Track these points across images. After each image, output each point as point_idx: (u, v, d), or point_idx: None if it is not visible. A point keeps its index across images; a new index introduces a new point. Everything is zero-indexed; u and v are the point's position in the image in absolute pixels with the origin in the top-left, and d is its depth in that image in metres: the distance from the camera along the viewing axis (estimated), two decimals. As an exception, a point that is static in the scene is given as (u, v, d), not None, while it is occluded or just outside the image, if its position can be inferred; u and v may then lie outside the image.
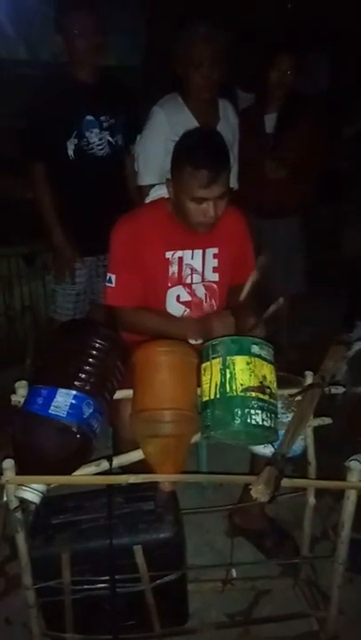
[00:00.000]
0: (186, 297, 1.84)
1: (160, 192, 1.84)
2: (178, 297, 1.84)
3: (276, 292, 2.71)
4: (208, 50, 2.07)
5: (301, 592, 1.76)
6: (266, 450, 1.56)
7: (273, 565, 1.86)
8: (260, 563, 1.88)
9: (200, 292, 1.86)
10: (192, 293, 1.84)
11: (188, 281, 1.83)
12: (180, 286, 1.83)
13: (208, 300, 1.87)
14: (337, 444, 1.74)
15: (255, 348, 1.32)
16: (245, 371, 1.29)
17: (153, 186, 2.11)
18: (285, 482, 1.30)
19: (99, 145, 2.25)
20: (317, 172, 2.80)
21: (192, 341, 1.81)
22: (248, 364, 1.29)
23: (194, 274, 1.83)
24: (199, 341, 1.81)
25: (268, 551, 1.92)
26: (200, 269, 1.83)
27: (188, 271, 1.82)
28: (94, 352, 1.33)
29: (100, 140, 2.25)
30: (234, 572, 1.73)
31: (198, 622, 1.67)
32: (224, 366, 1.30)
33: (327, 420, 1.53)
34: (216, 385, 1.29)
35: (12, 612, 1.71)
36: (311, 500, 1.63)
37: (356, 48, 4.15)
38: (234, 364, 1.29)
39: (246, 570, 1.80)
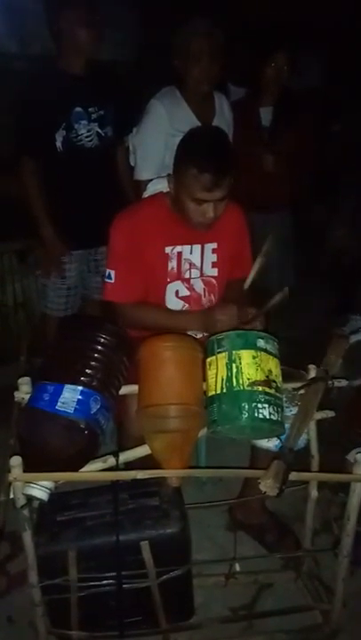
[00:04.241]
0: (185, 292, 1.84)
1: (158, 186, 1.83)
2: (177, 292, 1.83)
3: (270, 285, 2.74)
4: (208, 44, 2.08)
5: (304, 585, 1.77)
6: (269, 444, 1.56)
7: (275, 559, 1.86)
8: (264, 557, 1.88)
9: (199, 286, 1.85)
10: (190, 288, 1.84)
11: (187, 276, 1.83)
12: (179, 281, 1.83)
13: (207, 295, 1.87)
14: (334, 438, 1.75)
15: (261, 342, 1.32)
16: (252, 365, 1.29)
17: (151, 180, 2.10)
18: (293, 475, 1.30)
19: (87, 137, 2.22)
20: (311, 167, 2.83)
21: (194, 335, 1.81)
22: (254, 357, 1.29)
23: (192, 269, 1.82)
24: (200, 335, 1.82)
25: (269, 545, 1.93)
26: (199, 264, 1.83)
27: (187, 266, 1.82)
28: (100, 348, 1.32)
29: (89, 131, 2.22)
30: (237, 567, 1.73)
31: (202, 617, 1.67)
32: (230, 360, 1.30)
33: (330, 414, 1.53)
34: (222, 379, 1.29)
35: (15, 610, 1.70)
36: (314, 493, 1.64)
37: (346, 47, 4.18)
38: (240, 359, 1.29)
39: (248, 564, 1.80)
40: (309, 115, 2.71)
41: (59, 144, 2.19)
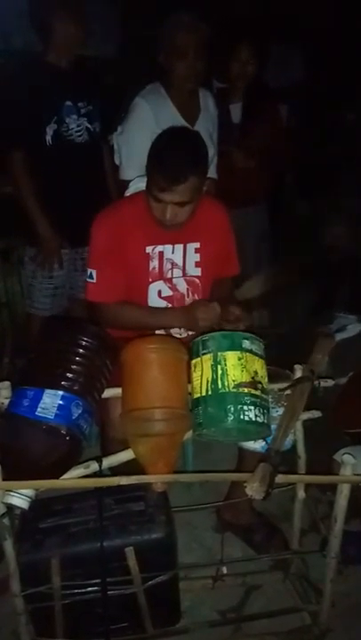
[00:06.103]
0: (167, 292, 1.81)
1: (139, 185, 1.80)
2: (159, 292, 1.80)
3: (246, 278, 2.72)
4: (192, 40, 2.04)
5: (292, 585, 1.75)
6: (256, 445, 1.54)
7: (263, 560, 1.84)
8: (252, 559, 1.86)
9: (182, 286, 1.82)
10: (173, 288, 1.81)
11: (169, 276, 1.80)
12: (162, 281, 1.80)
13: (190, 295, 1.84)
14: (321, 438, 1.73)
15: (246, 343, 1.30)
16: (237, 366, 1.26)
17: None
18: (280, 478, 1.28)
19: (77, 131, 2.19)
20: (287, 161, 2.84)
21: (177, 335, 1.79)
22: (240, 359, 1.27)
23: (174, 268, 1.80)
24: (184, 335, 1.79)
25: (257, 546, 1.91)
26: (181, 264, 1.80)
27: (169, 266, 1.79)
28: (82, 351, 1.29)
29: (79, 126, 2.19)
30: (224, 569, 1.71)
31: (190, 620, 1.65)
32: (215, 362, 1.27)
33: (317, 414, 1.51)
34: (207, 381, 1.27)
35: (-2, 618, 1.67)
36: (301, 493, 1.62)
37: (335, 43, 4.15)
38: (225, 360, 1.27)
39: (236, 565, 1.78)
40: (274, 107, 2.70)
41: (48, 138, 2.15)
